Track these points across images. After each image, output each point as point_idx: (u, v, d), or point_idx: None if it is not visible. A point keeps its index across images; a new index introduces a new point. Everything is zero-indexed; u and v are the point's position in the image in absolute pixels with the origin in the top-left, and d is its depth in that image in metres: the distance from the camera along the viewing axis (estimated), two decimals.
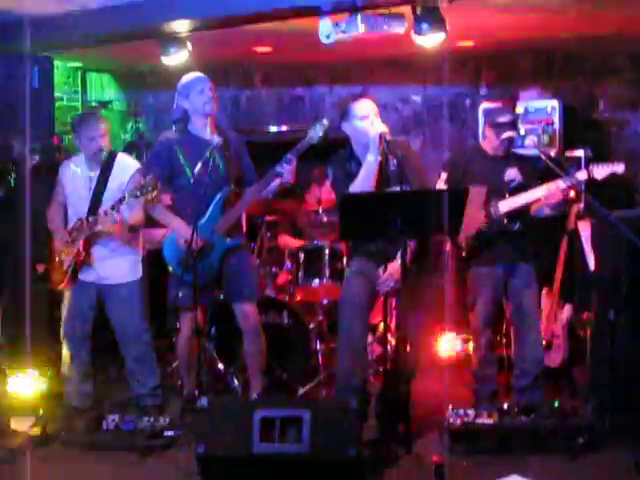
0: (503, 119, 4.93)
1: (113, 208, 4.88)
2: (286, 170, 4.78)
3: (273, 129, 7.67)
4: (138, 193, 4.73)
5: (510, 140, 4.97)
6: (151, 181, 4.71)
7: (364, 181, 4.68)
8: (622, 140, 7.11)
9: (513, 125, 4.99)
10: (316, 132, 4.76)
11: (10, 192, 5.12)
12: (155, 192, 4.71)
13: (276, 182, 4.89)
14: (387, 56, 7.05)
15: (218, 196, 4.87)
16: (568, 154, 6.37)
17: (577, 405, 4.88)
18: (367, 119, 4.73)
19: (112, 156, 5.23)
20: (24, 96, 5.52)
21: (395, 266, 4.68)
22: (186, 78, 4.98)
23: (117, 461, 4.57)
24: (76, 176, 5.23)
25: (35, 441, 4.77)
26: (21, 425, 4.95)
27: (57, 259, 5.19)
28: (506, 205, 4.92)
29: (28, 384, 5.29)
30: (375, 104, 4.81)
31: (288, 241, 6.62)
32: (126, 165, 5.20)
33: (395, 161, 4.73)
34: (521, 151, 5.26)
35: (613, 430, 4.60)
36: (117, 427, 4.80)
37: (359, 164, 4.74)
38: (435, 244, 5.34)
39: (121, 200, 4.84)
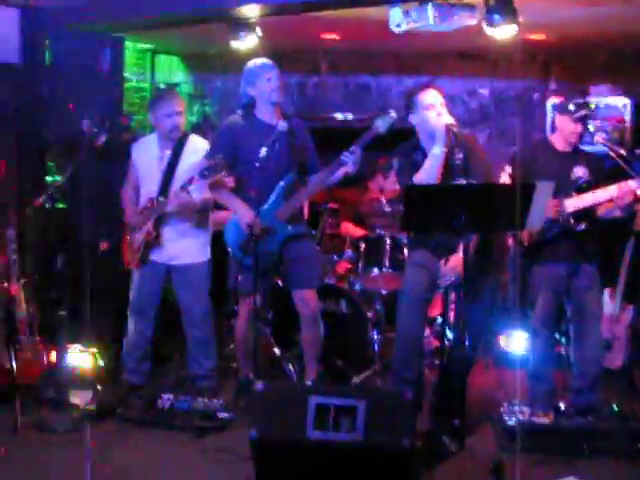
0: (577, 103, 4.82)
1: (183, 188, 4.91)
2: (351, 160, 4.75)
3: (339, 117, 7.64)
4: (206, 173, 4.75)
5: (581, 133, 4.86)
6: (219, 162, 4.72)
7: (429, 173, 4.64)
8: None
9: (586, 117, 4.88)
10: (383, 123, 4.71)
11: (78, 169, 5.18)
12: (223, 173, 4.73)
13: (340, 171, 4.87)
14: (456, 47, 6.97)
15: (282, 182, 4.87)
16: (638, 152, 6.23)
17: (637, 408, 4.80)
18: (433, 109, 4.70)
19: (185, 137, 5.27)
20: (95, 76, 5.58)
21: (457, 259, 4.64)
22: (252, 64, 4.97)
23: (170, 440, 4.65)
24: (148, 155, 5.28)
25: (92, 415, 4.83)
26: (79, 399, 5.03)
27: (128, 239, 5.26)
28: (572, 204, 4.80)
29: (88, 359, 5.38)
30: (441, 94, 4.76)
31: (350, 229, 6.60)
32: (198, 146, 5.23)
33: (461, 154, 4.68)
34: (589, 148, 5.15)
35: None
36: (172, 406, 4.86)
37: (425, 155, 4.71)
38: (499, 239, 5.27)
39: (190, 181, 4.87)
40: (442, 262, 4.71)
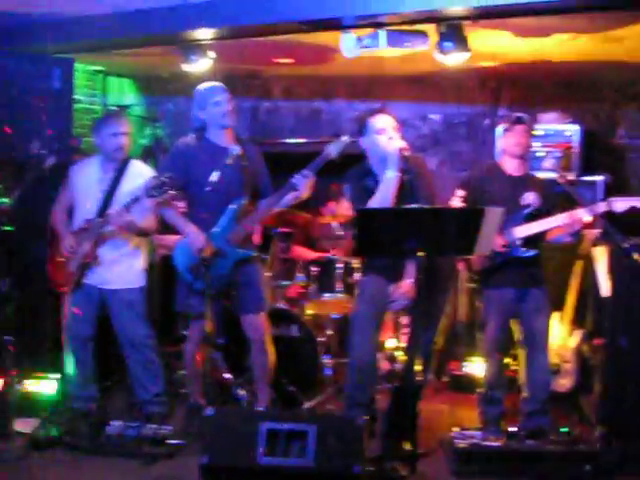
0: (507, 116, 4.93)
1: (126, 207, 4.86)
2: (302, 184, 4.75)
3: (291, 141, 7.66)
4: (155, 193, 4.70)
5: (524, 143, 4.95)
6: (167, 181, 4.68)
7: (384, 197, 4.66)
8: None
9: (518, 120, 4.96)
10: (335, 148, 4.73)
11: (27, 192, 5.11)
12: (172, 192, 4.69)
13: (290, 196, 4.86)
14: (407, 73, 7.04)
15: (233, 205, 4.85)
16: (585, 179, 6.34)
17: (586, 432, 4.84)
18: (384, 133, 4.72)
19: (127, 161, 5.22)
20: (44, 97, 5.52)
21: (407, 283, 4.66)
22: (202, 87, 4.95)
23: (119, 467, 4.56)
24: (89, 177, 5.21)
25: (38, 444, 4.74)
26: (25, 427, 4.93)
27: (61, 260, 5.17)
28: (522, 231, 4.87)
29: (33, 386, 5.28)
30: (394, 119, 4.79)
31: (302, 252, 6.59)
32: (140, 171, 5.18)
33: (409, 176, 4.71)
34: (539, 174, 5.23)
35: (622, 458, 4.55)
36: (120, 433, 4.78)
37: (376, 179, 4.73)
38: (448, 263, 5.30)
39: (135, 200, 4.82)
40: (393, 287, 4.72)
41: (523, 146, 4.96)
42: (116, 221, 4.93)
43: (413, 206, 4.57)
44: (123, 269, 5.18)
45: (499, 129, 6.13)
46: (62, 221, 5.26)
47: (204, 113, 4.91)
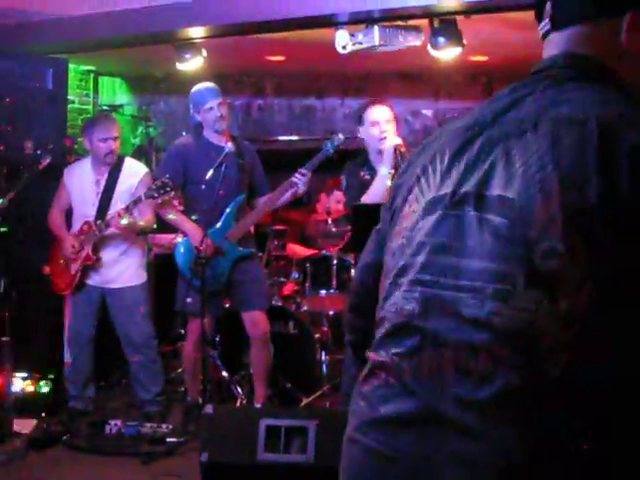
0: None
1: (127, 209, 4.86)
2: (301, 182, 4.78)
3: (284, 139, 7.66)
4: (155, 194, 4.72)
5: None
6: (168, 182, 4.69)
7: (374, 194, 4.66)
8: None
9: None
10: (332, 145, 4.78)
11: (21, 193, 5.10)
12: (172, 193, 4.70)
13: (289, 193, 4.89)
14: (399, 69, 7.05)
15: (232, 203, 4.86)
16: None
17: None
18: (377, 126, 4.70)
19: (121, 160, 5.22)
20: (38, 97, 5.51)
21: None
22: (197, 90, 4.95)
23: (118, 466, 4.56)
24: (83, 179, 5.21)
25: (37, 443, 4.74)
26: (23, 427, 4.93)
27: (62, 263, 5.17)
28: None
29: (31, 385, 5.28)
30: (390, 112, 4.78)
31: (297, 250, 6.59)
32: (135, 170, 5.19)
33: None
34: None
35: None
36: (120, 432, 4.79)
37: (372, 173, 4.73)
38: None
39: (136, 202, 4.83)
40: None
41: None
42: (118, 222, 4.93)
43: None
44: (123, 267, 5.19)
45: None
46: (61, 224, 5.25)
47: (199, 114, 4.93)
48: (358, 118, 4.82)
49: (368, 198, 4.69)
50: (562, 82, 1.43)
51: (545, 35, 1.52)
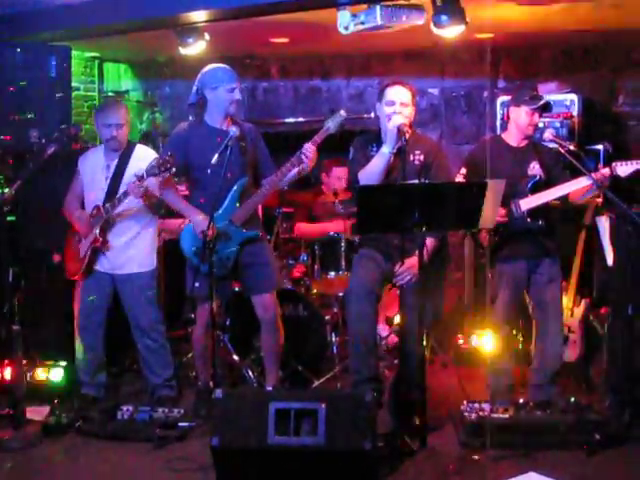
0: (533, 94, 4.89)
1: (141, 179, 4.80)
2: (305, 159, 4.76)
3: (290, 120, 7.64)
4: (156, 171, 4.70)
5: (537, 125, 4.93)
6: (168, 159, 4.68)
7: (371, 170, 4.68)
8: None
9: (546, 107, 4.93)
10: (334, 122, 4.76)
11: (28, 182, 5.11)
12: (173, 169, 4.68)
13: (294, 172, 4.86)
14: (404, 48, 7.01)
15: (235, 187, 4.85)
16: (587, 148, 6.31)
17: (594, 401, 4.85)
18: (392, 106, 4.72)
19: (131, 146, 5.24)
20: (42, 86, 5.51)
21: (413, 260, 4.65)
22: (218, 68, 4.89)
23: (131, 451, 4.58)
24: (94, 165, 5.24)
25: (50, 430, 4.77)
26: (36, 414, 4.96)
27: (75, 248, 5.20)
28: (528, 203, 4.85)
29: (44, 373, 5.31)
30: (409, 94, 4.76)
31: (304, 228, 6.57)
32: (145, 155, 5.19)
33: (422, 157, 4.72)
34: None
35: (630, 426, 4.57)
36: (132, 417, 4.81)
37: (378, 149, 4.74)
38: (454, 240, 5.30)
39: (140, 178, 4.79)
40: (398, 264, 4.71)
41: (535, 127, 4.95)
42: (135, 190, 4.86)
43: (414, 182, 4.57)
44: (133, 253, 5.20)
45: (500, 101, 6.10)
46: (76, 209, 5.27)
47: (212, 93, 4.85)
48: (379, 93, 4.83)
49: (364, 174, 4.70)
50: None
51: None
